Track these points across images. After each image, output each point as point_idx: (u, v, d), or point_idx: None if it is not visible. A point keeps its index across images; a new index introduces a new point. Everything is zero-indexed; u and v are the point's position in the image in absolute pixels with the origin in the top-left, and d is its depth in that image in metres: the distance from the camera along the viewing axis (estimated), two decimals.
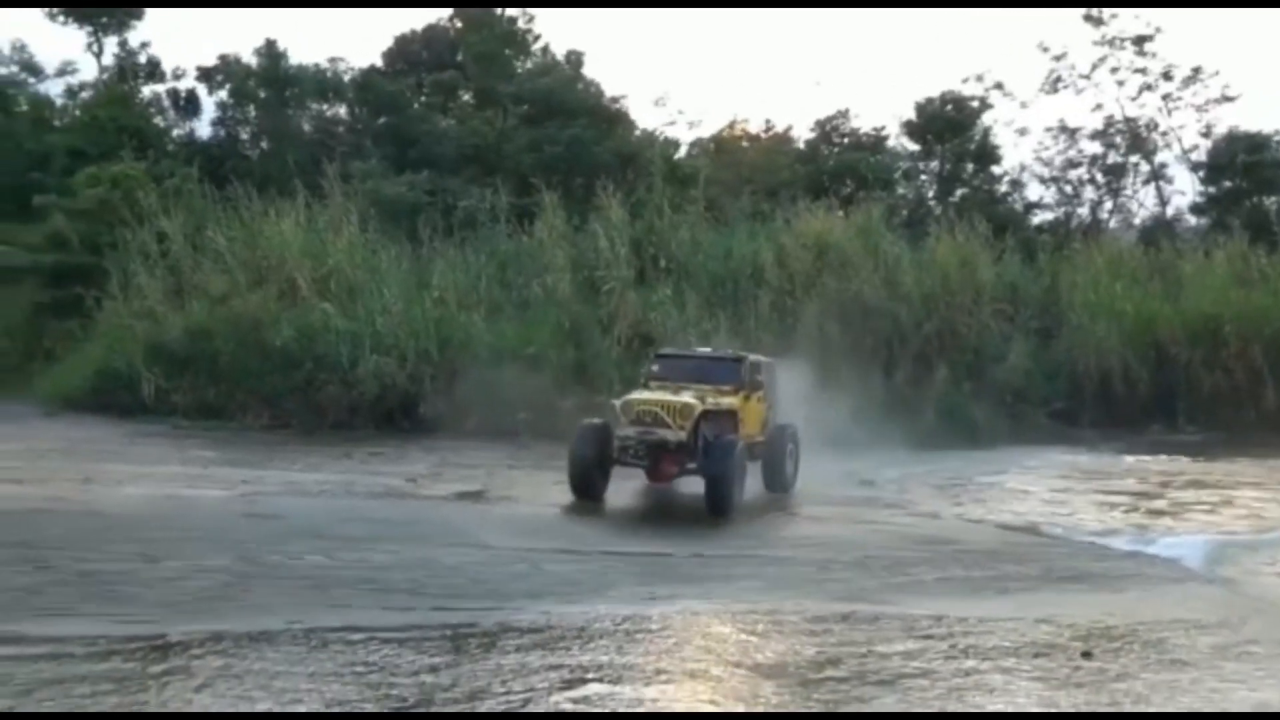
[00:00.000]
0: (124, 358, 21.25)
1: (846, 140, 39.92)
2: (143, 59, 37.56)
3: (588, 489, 13.53)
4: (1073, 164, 40.05)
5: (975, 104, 39.71)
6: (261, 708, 5.54)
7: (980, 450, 21.44)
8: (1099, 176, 40.05)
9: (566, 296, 23.54)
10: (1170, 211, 38.76)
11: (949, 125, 39.15)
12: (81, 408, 20.49)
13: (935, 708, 6.25)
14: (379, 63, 37.69)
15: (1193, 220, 38.31)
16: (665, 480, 13.83)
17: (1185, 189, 38.44)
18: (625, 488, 13.99)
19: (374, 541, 10.44)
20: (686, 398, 13.57)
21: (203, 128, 36.50)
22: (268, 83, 34.91)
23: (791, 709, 6.18)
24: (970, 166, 40.29)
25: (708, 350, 16.25)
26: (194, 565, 8.97)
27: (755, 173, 35.01)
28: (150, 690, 5.79)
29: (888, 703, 6.31)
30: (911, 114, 38.96)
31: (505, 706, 5.78)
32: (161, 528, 10.37)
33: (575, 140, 32.53)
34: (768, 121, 40.22)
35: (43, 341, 24.76)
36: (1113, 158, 39.76)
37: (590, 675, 6.45)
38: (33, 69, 37.20)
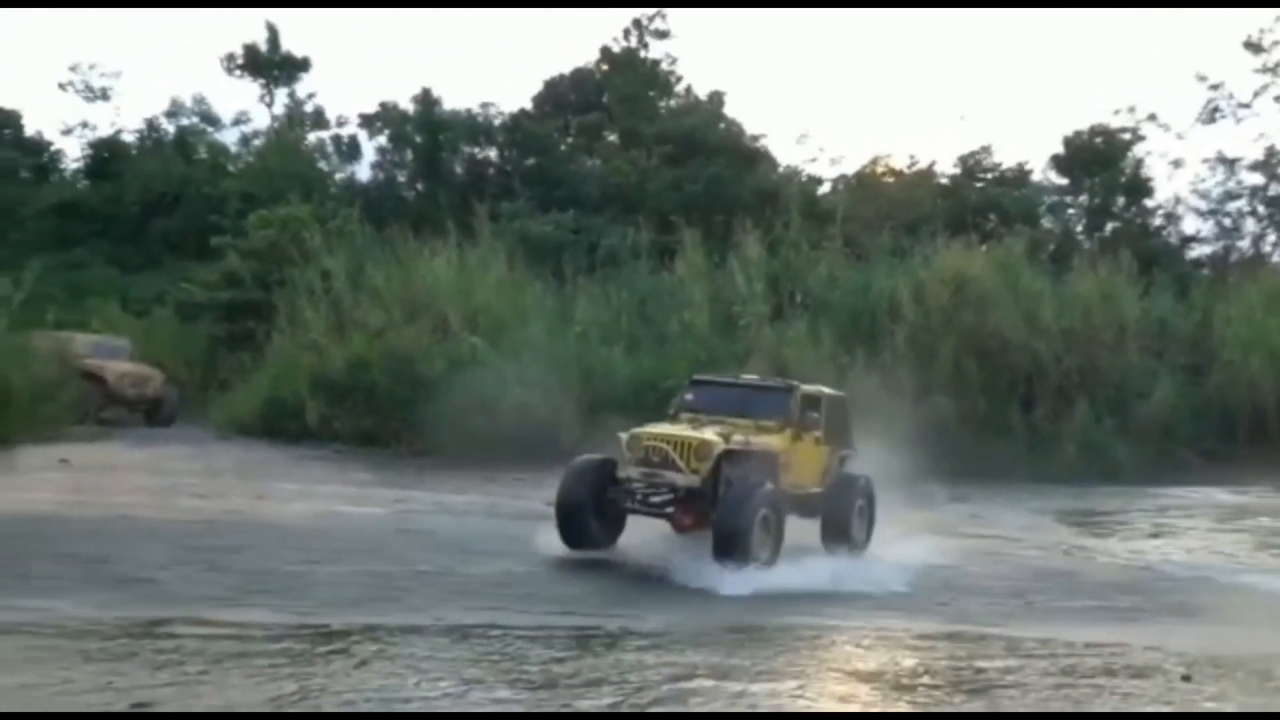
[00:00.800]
0: (290, 387, 22.87)
1: (990, 176, 39.70)
2: (309, 108, 40.39)
3: (578, 537, 11.23)
4: (1232, 196, 38.93)
5: (1126, 136, 39.07)
6: (410, 683, 6.39)
7: (1120, 487, 21.24)
8: (1260, 209, 38.79)
9: (704, 331, 24.20)
10: None
11: (1098, 158, 38.58)
12: (252, 433, 22.22)
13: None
14: (528, 106, 39.42)
15: None
16: (684, 531, 11.25)
17: None
18: None
19: (513, 555, 11.29)
20: (707, 434, 10.94)
21: (363, 171, 39.07)
22: (423, 128, 36.95)
23: (877, 709, 6.69)
24: (1121, 199, 39.57)
25: (754, 378, 13.28)
26: (353, 570, 9.97)
27: (896, 208, 35.06)
28: (317, 665, 6.70)
29: (974, 707, 6.75)
30: (1058, 148, 38.58)
31: (619, 693, 6.47)
32: (324, 538, 11.50)
33: (715, 179, 33.41)
34: (911, 157, 40.20)
35: (217, 372, 26.84)
36: (1275, 189, 38.49)
37: (700, 672, 7.08)
38: (211, 119, 40.38)
